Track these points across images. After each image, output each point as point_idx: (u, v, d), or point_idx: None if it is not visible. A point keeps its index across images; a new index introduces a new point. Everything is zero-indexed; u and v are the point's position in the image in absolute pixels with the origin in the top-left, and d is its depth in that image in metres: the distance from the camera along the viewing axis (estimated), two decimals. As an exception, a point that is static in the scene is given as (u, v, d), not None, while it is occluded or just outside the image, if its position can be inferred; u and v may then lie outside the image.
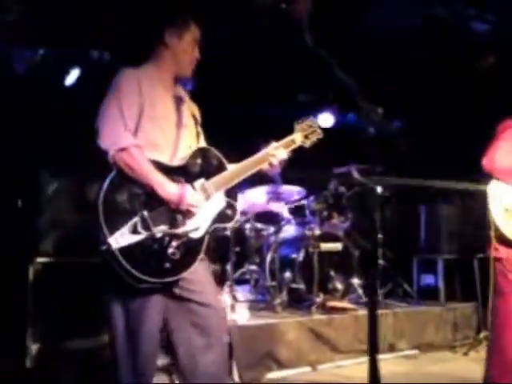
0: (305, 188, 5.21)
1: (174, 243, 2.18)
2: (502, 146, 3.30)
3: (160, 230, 2.15)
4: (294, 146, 2.64)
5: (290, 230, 5.15)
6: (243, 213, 4.98)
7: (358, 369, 4.20)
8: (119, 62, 2.47)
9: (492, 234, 3.28)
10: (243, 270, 4.77)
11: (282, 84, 6.09)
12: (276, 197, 5.16)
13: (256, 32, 5.12)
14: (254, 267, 4.76)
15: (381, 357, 4.58)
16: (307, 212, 5.15)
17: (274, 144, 2.57)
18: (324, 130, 6.87)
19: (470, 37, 5.29)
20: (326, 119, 6.98)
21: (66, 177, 3.71)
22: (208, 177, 2.34)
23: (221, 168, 2.40)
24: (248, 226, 4.88)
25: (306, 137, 2.67)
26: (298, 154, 5.84)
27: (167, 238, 2.17)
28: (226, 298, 4.04)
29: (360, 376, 3.97)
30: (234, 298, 4.26)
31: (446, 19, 5.19)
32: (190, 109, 2.53)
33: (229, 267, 4.77)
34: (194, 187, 2.28)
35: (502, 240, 3.25)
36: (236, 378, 3.69)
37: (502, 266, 3.28)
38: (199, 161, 2.34)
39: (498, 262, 3.30)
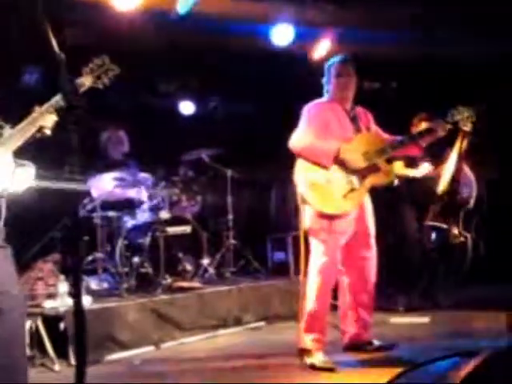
0: (155, 174, 5.31)
1: None
2: (305, 127, 3.62)
3: None
4: (83, 89, 2.61)
5: (143, 216, 5.24)
6: (92, 200, 4.99)
7: (201, 344, 4.40)
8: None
9: (300, 206, 3.59)
10: (91, 258, 4.78)
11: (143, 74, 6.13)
12: (132, 183, 5.21)
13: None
14: (101, 255, 4.79)
15: (227, 330, 4.87)
16: (159, 197, 5.26)
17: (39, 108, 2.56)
18: (184, 117, 6.92)
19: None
20: (187, 107, 7.12)
21: None
22: None
23: None
24: (95, 214, 4.89)
25: (98, 77, 2.65)
26: (147, 142, 5.91)
27: None
28: (62, 285, 4.07)
29: (202, 350, 4.19)
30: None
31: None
32: None
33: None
34: None
35: (311, 211, 3.57)
36: (73, 360, 3.75)
37: (312, 234, 3.61)
38: None
39: (308, 231, 3.62)
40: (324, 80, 3.81)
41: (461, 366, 1.20)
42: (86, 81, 2.63)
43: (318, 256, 3.58)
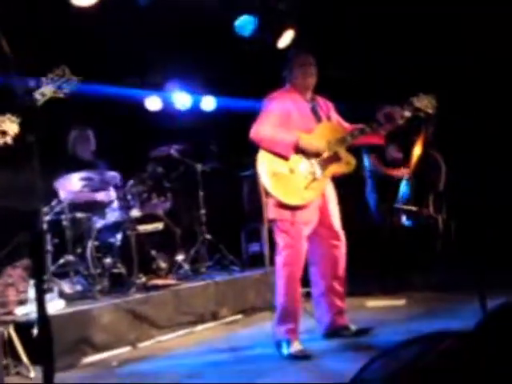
0: (123, 172, 5.22)
1: None
2: (266, 117, 3.61)
3: None
4: (44, 99, 2.64)
5: (113, 215, 5.15)
6: (60, 201, 4.88)
7: (179, 341, 4.36)
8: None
9: (263, 196, 3.59)
10: (62, 261, 4.68)
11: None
12: (99, 182, 5.10)
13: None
14: (72, 258, 4.69)
15: (204, 326, 4.83)
16: (128, 196, 5.17)
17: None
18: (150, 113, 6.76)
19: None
20: (154, 103, 7.00)
21: None
22: None
23: None
24: (63, 216, 4.78)
25: (59, 87, 2.69)
26: (119, 138, 5.80)
27: None
28: (33, 291, 3.98)
29: (180, 347, 4.16)
30: (49, 289, 4.23)
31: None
32: None
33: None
34: None
35: (273, 202, 3.57)
36: (47, 368, 3.68)
37: (276, 225, 3.61)
38: None
39: (271, 222, 3.62)
40: (285, 72, 3.82)
41: (430, 351, 1.20)
42: (46, 91, 2.62)
43: (282, 248, 3.59)
